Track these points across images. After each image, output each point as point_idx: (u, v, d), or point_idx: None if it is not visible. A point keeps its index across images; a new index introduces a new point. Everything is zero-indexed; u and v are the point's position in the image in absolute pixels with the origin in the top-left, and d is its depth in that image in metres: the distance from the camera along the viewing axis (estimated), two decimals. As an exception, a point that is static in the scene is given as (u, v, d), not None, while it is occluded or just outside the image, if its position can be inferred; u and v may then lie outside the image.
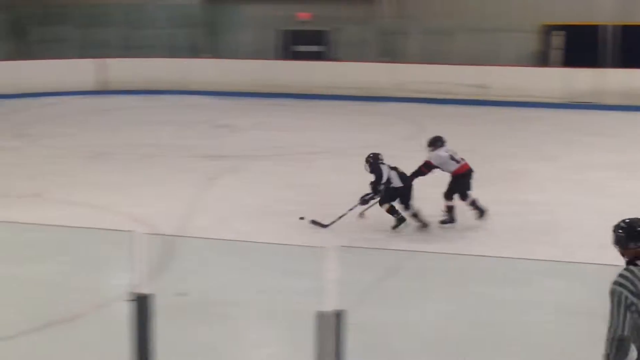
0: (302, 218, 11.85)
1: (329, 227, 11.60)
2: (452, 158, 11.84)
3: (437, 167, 11.87)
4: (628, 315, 5.17)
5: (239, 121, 21.40)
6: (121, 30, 27.24)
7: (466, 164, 11.89)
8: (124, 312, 5.80)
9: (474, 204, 11.85)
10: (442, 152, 11.91)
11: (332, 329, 5.36)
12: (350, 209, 11.58)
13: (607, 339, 5.19)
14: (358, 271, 8.55)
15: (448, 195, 11.75)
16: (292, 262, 9.55)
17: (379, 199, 11.55)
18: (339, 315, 5.35)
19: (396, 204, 11.58)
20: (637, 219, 5.46)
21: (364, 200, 11.57)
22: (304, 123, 21.62)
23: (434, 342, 7.85)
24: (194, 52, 27.54)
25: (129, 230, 5.84)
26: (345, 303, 5.36)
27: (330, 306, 5.31)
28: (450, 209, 11.81)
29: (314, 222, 11.72)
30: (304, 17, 27.02)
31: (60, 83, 25.36)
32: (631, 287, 5.20)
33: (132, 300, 5.63)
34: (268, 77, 25.83)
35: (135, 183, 14.42)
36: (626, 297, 5.18)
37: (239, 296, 8.80)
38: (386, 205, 11.56)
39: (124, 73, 26.16)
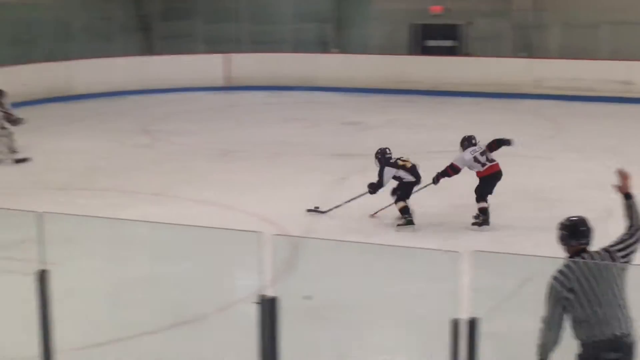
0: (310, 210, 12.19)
1: (327, 213, 12.07)
2: (477, 160, 11.67)
3: (460, 168, 11.76)
4: (558, 307, 5.65)
5: (369, 118, 20.82)
6: (247, 25, 26.96)
7: (492, 166, 11.72)
8: (250, 314, 5.74)
9: (483, 211, 11.60)
10: (466, 154, 11.74)
11: (466, 337, 5.16)
12: (352, 199, 12.06)
13: (540, 329, 5.71)
14: (492, 277, 7.97)
15: (478, 198, 11.61)
16: (423, 266, 9.00)
17: (395, 198, 11.76)
18: (473, 323, 5.14)
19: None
20: (580, 218, 5.90)
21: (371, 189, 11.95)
22: (435, 121, 20.91)
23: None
24: (321, 47, 27.08)
25: (257, 231, 5.71)
26: (480, 310, 5.17)
27: (464, 313, 5.12)
28: (483, 211, 11.60)
29: (312, 210, 12.17)
30: (436, 10, 26.22)
31: (186, 79, 25.27)
32: (565, 282, 5.65)
33: (259, 302, 5.58)
34: (398, 73, 25.10)
35: (262, 182, 14.19)
36: (558, 291, 5.65)
37: (367, 300, 8.54)
38: (401, 204, 11.66)
39: (250, 69, 25.91)
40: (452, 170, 11.68)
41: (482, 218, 11.55)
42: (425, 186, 11.85)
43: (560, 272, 5.68)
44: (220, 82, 25.87)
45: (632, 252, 5.84)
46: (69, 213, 10.29)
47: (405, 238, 11.04)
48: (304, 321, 7.80)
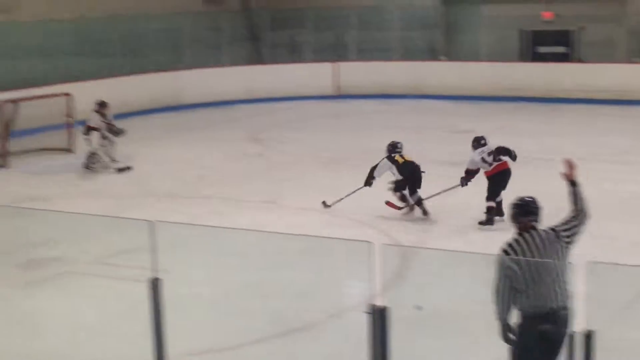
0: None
1: (331, 207, 12.76)
2: (484, 160, 12.13)
3: (474, 169, 12.30)
4: (504, 277, 6.19)
5: (478, 126, 20.41)
6: (355, 34, 26.92)
7: (498, 166, 12.10)
8: (359, 323, 5.75)
9: (488, 210, 11.92)
10: (475, 156, 12.27)
11: (582, 349, 5.12)
12: (357, 189, 12.73)
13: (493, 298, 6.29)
14: (608, 288, 7.74)
15: (487, 197, 11.97)
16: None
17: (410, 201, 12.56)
18: (589, 336, 5.08)
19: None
20: (530, 198, 6.51)
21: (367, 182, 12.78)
22: (547, 128, 20.49)
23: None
24: (430, 54, 26.86)
25: (366, 241, 5.72)
26: (596, 323, 5.10)
27: (580, 326, 5.15)
28: (488, 210, 11.92)
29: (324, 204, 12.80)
30: (547, 16, 25.72)
31: (295, 88, 25.38)
32: (512, 254, 6.22)
33: (369, 312, 5.57)
34: (509, 80, 24.69)
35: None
36: (505, 262, 6.19)
37: (478, 309, 8.16)
38: (397, 194, 12.63)
39: (358, 77, 25.87)
40: (469, 174, 12.30)
41: (487, 217, 11.87)
42: (453, 187, 12.55)
43: (509, 244, 6.29)
44: (328, 91, 25.90)
45: (575, 233, 6.35)
46: (180, 222, 10.44)
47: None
48: (415, 330, 7.73)
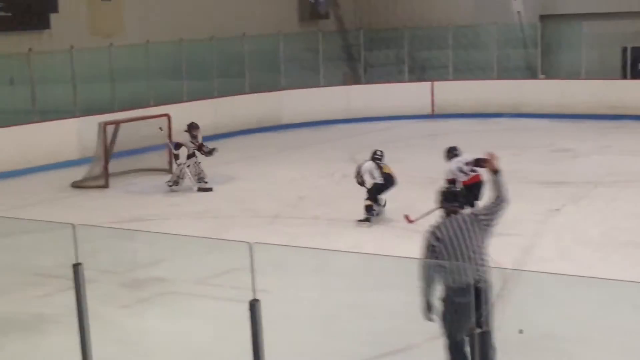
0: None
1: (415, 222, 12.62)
2: (461, 170, 12.60)
3: (453, 179, 12.61)
4: (429, 254, 7.22)
5: (579, 145, 20.15)
6: (452, 52, 26.75)
7: (475, 177, 12.64)
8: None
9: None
10: (452, 165, 12.85)
11: None
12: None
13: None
14: None
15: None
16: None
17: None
18: None
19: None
20: (454, 189, 8.48)
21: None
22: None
23: None
24: (528, 73, 26.53)
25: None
26: None
27: None
28: None
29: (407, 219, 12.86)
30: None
31: (391, 107, 25.36)
32: (436, 233, 7.25)
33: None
34: (611, 97, 24.19)
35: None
36: (429, 240, 7.28)
37: (583, 332, 8.39)
38: (367, 202, 13.41)
39: (455, 96, 25.71)
40: (446, 183, 12.33)
41: None
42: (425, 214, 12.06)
43: (435, 226, 7.39)
44: (425, 110, 25.79)
45: (494, 217, 7.36)
46: (279, 243, 10.51)
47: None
48: (519, 353, 7.66)
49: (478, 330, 6.46)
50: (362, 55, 27.13)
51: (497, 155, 7.40)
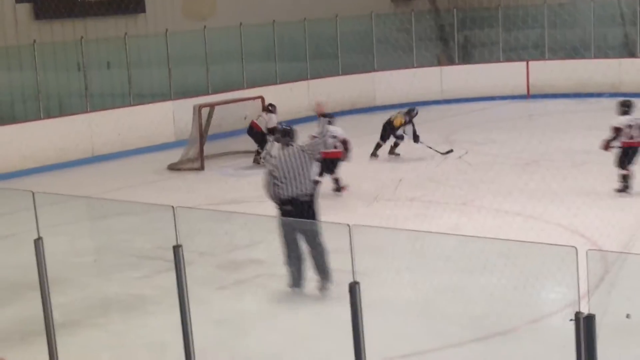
0: None
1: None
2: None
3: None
4: (267, 171, 9.85)
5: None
6: (548, 32, 26.22)
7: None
8: (559, 330, 6.10)
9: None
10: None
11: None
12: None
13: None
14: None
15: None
16: None
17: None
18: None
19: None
20: (288, 128, 10.39)
21: None
22: None
23: None
24: (626, 51, 25.85)
25: (571, 246, 5.40)
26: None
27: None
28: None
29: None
30: None
31: (487, 88, 25.01)
32: (274, 156, 9.93)
33: (575, 320, 5.35)
34: None
35: (568, 192, 13.64)
36: (268, 161, 9.94)
37: None
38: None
39: (551, 76, 25.20)
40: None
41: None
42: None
43: (273, 155, 10.16)
44: (521, 91, 25.38)
45: (315, 151, 10.21)
46: (377, 225, 10.44)
47: None
48: (623, 340, 7.47)
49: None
50: (456, 36, 26.80)
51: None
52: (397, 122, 17.51)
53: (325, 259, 9.43)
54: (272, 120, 17.59)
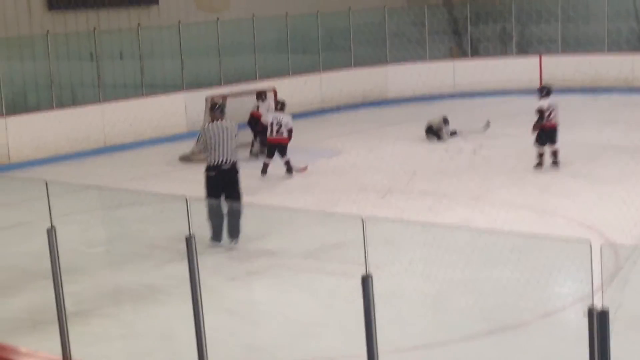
0: None
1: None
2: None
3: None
4: (202, 141, 11.62)
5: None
6: (561, 26, 26.11)
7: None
8: (572, 323, 6.14)
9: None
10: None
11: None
12: None
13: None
14: None
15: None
16: None
17: None
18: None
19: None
20: (218, 107, 11.91)
21: None
22: None
23: None
24: (640, 46, 25.79)
25: (584, 240, 5.31)
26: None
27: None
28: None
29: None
30: None
31: (500, 82, 24.93)
32: (206, 131, 11.50)
33: (588, 314, 5.31)
34: None
35: (581, 187, 13.64)
36: (205, 131, 11.57)
37: None
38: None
39: (564, 70, 25.09)
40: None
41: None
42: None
43: (208, 124, 11.57)
44: (534, 85, 25.26)
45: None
46: (389, 218, 10.43)
47: None
48: (637, 334, 7.49)
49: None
50: (469, 30, 26.72)
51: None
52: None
53: (240, 221, 11.15)
54: (263, 108, 17.68)
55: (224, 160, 11.20)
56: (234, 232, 11.07)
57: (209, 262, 9.90)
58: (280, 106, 16.97)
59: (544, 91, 15.88)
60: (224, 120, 11.41)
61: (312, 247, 10.79)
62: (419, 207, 12.80)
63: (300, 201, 13.52)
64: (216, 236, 11.01)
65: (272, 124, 15.97)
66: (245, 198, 11.99)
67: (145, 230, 12.09)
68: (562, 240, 7.53)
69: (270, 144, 15.98)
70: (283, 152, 15.80)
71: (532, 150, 16.11)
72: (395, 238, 9.23)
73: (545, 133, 15.33)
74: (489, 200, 13.31)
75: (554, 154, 15.33)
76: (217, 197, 11.23)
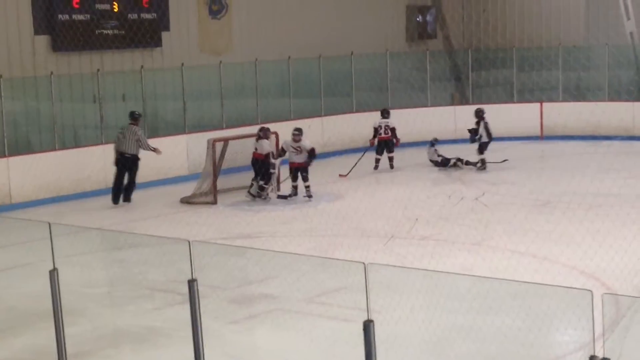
0: None
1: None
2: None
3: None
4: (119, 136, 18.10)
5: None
6: (561, 73, 26.26)
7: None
8: None
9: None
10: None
11: None
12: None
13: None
14: None
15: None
16: None
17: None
18: None
19: None
20: (137, 113, 18.22)
21: None
22: None
23: None
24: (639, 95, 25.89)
25: (585, 289, 5.51)
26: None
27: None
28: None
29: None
30: None
31: (501, 128, 24.95)
32: (121, 131, 18.13)
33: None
34: None
35: (582, 234, 13.57)
36: (119, 133, 18.21)
37: None
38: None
39: (565, 117, 25.20)
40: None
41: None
42: None
43: (120, 129, 17.99)
44: (535, 132, 25.41)
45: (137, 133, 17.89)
46: (387, 263, 10.42)
47: None
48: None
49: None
50: (470, 76, 26.88)
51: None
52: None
53: (132, 190, 17.84)
54: (264, 147, 17.69)
55: (126, 150, 17.60)
56: (128, 197, 17.82)
57: (210, 305, 9.87)
58: (260, 134, 17.37)
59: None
60: (134, 126, 17.66)
61: (314, 292, 10.76)
62: (420, 253, 12.80)
63: (300, 245, 13.52)
64: (115, 200, 17.66)
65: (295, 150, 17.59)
66: (247, 242, 12.01)
67: (146, 272, 12.08)
68: (564, 289, 7.58)
69: (292, 167, 17.68)
70: (305, 175, 17.48)
71: (534, 196, 16.18)
72: (396, 284, 9.23)
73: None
74: (490, 246, 13.31)
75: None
76: (123, 173, 17.66)
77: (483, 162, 20.62)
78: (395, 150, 21.67)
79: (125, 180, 17.78)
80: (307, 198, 17.42)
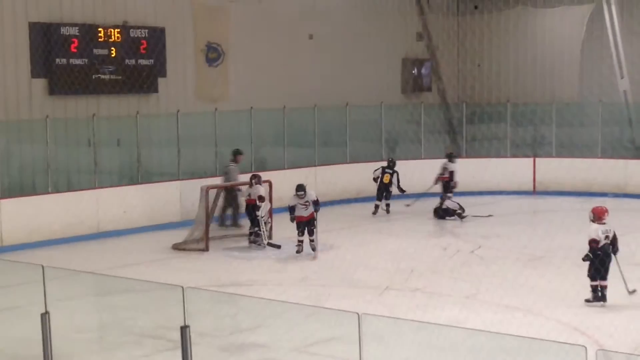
0: None
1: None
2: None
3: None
4: None
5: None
6: (555, 129, 26.37)
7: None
8: None
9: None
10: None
11: None
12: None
13: None
14: None
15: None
16: None
17: None
18: None
19: None
20: None
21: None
22: None
23: None
24: (634, 152, 25.99)
25: (579, 345, 5.25)
26: None
27: None
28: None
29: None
30: None
31: (493, 182, 25.08)
32: None
33: None
34: None
35: (572, 290, 13.56)
36: None
37: None
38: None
39: (558, 173, 25.23)
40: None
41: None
42: None
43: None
44: (528, 187, 25.46)
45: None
46: (381, 315, 10.37)
47: None
48: None
49: None
50: (464, 129, 27.00)
51: None
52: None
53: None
54: (259, 192, 17.72)
55: None
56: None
57: (201, 352, 9.78)
58: (253, 181, 17.38)
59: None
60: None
61: (305, 342, 10.70)
62: (411, 305, 12.76)
63: (291, 295, 13.47)
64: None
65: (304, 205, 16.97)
66: (238, 290, 11.95)
67: (137, 317, 11.99)
68: (558, 344, 7.55)
69: (300, 222, 16.95)
70: (312, 229, 16.84)
71: (528, 250, 16.18)
72: (389, 335, 9.18)
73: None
74: (479, 300, 13.31)
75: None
76: None
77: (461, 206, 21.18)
78: (391, 199, 21.83)
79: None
80: (312, 253, 16.75)
